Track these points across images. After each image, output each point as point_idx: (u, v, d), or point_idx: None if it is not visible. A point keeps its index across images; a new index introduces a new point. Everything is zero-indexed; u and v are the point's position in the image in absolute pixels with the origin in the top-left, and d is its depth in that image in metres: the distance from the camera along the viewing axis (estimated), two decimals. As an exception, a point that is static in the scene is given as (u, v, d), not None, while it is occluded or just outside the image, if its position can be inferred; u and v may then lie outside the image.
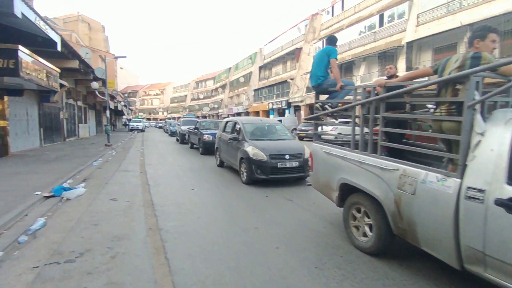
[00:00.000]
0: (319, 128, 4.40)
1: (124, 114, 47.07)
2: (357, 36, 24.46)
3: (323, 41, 28.80)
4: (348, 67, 26.10)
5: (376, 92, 3.33)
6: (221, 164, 9.16)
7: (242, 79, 47.87)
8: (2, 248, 3.28)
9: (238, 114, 46.09)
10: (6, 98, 10.84)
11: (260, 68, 43.38)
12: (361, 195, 3.30)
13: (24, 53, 7.98)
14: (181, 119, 19.69)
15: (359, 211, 3.39)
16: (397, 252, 3.28)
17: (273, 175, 6.43)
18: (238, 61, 52.10)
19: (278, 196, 5.69)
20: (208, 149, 12.30)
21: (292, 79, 32.96)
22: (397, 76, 4.29)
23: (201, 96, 68.24)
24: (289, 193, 5.93)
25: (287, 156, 6.54)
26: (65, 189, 5.50)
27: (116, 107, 32.00)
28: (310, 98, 28.77)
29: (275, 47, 39.32)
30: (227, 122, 9.19)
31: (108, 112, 16.68)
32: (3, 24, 9.53)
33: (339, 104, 3.95)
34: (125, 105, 45.78)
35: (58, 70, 11.11)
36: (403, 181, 2.77)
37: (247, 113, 43.34)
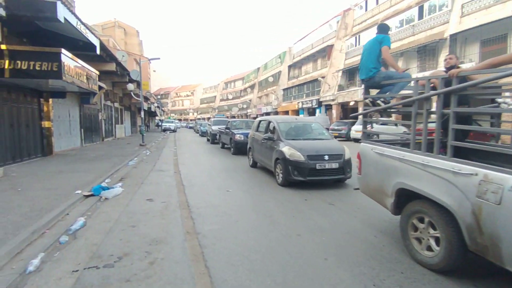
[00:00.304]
0: (368, 126, 3.98)
1: (157, 115, 48.72)
2: (393, 31, 23.20)
3: (356, 37, 27.74)
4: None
5: (432, 85, 2.91)
6: (254, 165, 8.94)
7: (271, 79, 47.60)
8: (44, 248, 3.27)
9: (267, 114, 45.90)
10: (50, 100, 11.45)
11: (290, 67, 42.83)
12: (425, 203, 2.86)
13: (66, 57, 8.29)
14: (212, 119, 19.81)
15: (421, 221, 2.95)
16: (470, 269, 2.81)
17: (311, 177, 6.06)
18: (267, 60, 51.91)
19: (318, 200, 5.32)
20: (239, 149, 12.16)
21: (323, 77, 32.12)
22: (458, 67, 3.76)
23: (230, 97, 68.96)
24: (330, 196, 5.54)
25: (326, 157, 6.15)
26: (104, 189, 5.55)
27: (149, 108, 33.12)
28: (342, 97, 27.85)
29: (305, 45, 38.59)
30: (260, 121, 8.95)
31: (142, 113, 17.16)
32: (47, 29, 10.05)
33: (393, 100, 3.52)
34: (158, 106, 47.36)
35: (97, 72, 11.54)
36: (484, 188, 2.32)
37: (276, 113, 42.98)
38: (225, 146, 14.90)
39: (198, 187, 6.35)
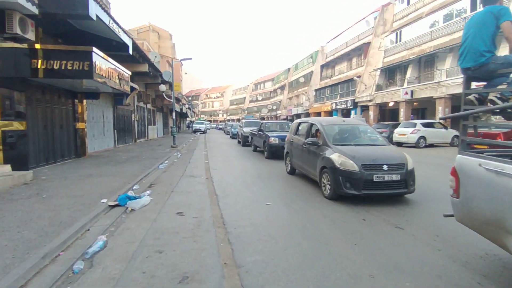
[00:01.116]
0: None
1: (188, 116, 49.36)
2: (440, 25, 21.21)
3: (397, 33, 25.87)
4: (428, 61, 22.83)
5: None
6: (292, 172, 8.07)
7: (302, 79, 46.33)
8: (53, 279, 2.65)
9: (298, 115, 44.70)
10: (84, 101, 11.40)
11: (322, 66, 41.34)
12: None
13: (98, 55, 7.98)
14: (243, 121, 19.21)
15: None
16: None
17: (367, 190, 5.08)
18: (298, 61, 50.68)
19: (379, 220, 4.35)
20: (274, 153, 11.36)
21: (358, 76, 30.40)
22: None
23: (260, 98, 68.46)
24: (393, 216, 4.53)
25: (384, 167, 5.13)
26: (130, 198, 4.98)
27: (181, 109, 33.38)
28: (381, 97, 26.06)
29: (338, 43, 36.99)
30: (299, 123, 8.07)
31: (174, 114, 16.94)
32: (82, 30, 9.93)
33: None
34: (189, 108, 47.97)
35: (129, 73, 11.31)
36: None
37: (308, 114, 41.66)
38: (258, 149, 14.18)
39: (232, 197, 5.61)
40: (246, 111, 72.48)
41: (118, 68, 9.93)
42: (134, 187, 6.22)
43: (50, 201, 4.92)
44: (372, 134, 6.65)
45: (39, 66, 7.33)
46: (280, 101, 56.76)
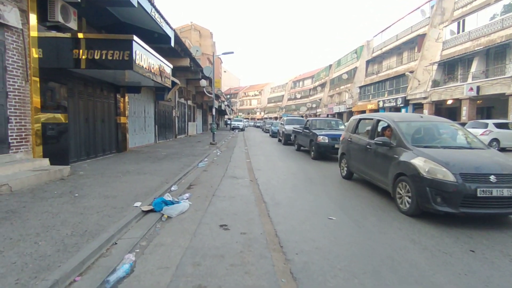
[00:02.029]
0: None
1: (226, 114, 49.48)
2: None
3: (459, 22, 22.99)
4: (499, 53, 19.86)
5: None
6: (349, 176, 6.91)
7: (345, 76, 43.90)
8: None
9: (340, 114, 42.54)
10: (126, 96, 11.19)
11: (368, 62, 38.68)
12: None
13: (138, 45, 7.48)
14: (285, 118, 18.16)
15: None
16: None
17: (468, 208, 3.81)
18: (340, 57, 48.22)
19: (495, 252, 3.11)
20: (322, 153, 10.24)
21: (411, 72, 27.72)
22: None
23: (298, 96, 66.71)
24: (510, 247, 3.26)
25: (492, 178, 3.82)
26: (167, 203, 4.25)
27: (220, 106, 33.25)
28: (438, 94, 23.40)
29: (387, 37, 34.26)
30: (359, 120, 6.87)
31: (214, 111, 16.46)
32: (125, 22, 9.63)
33: None
34: (227, 105, 48.04)
35: (171, 66, 10.86)
36: None
37: (350, 113, 39.36)
38: (302, 148, 13.09)
39: (285, 207, 4.65)
40: (284, 109, 71.22)
41: (160, 60, 9.47)
42: (172, 188, 5.55)
43: (81, 201, 4.36)
44: (462, 134, 5.27)
45: (81, 57, 6.99)
46: (320, 99, 54.67)
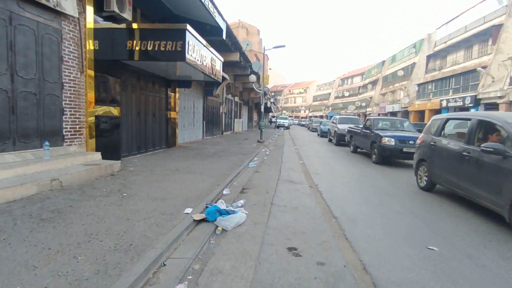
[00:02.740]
0: None
1: (271, 111, 48.89)
2: None
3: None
4: None
5: None
6: (430, 187, 5.72)
7: (400, 73, 40.44)
8: None
9: (393, 113, 39.34)
10: (177, 90, 11.01)
11: (429, 57, 35.08)
12: None
13: (191, 35, 7.04)
14: (337, 117, 16.86)
15: None
16: None
17: None
18: (395, 52, 44.60)
19: None
20: (386, 157, 8.99)
21: (483, 67, 24.31)
22: None
23: (346, 94, 63.58)
24: None
25: None
26: (221, 213, 3.62)
27: (266, 103, 32.68)
28: (522, 92, 20.09)
29: (453, 29, 30.61)
30: (447, 120, 5.62)
31: (262, 107, 15.83)
32: (178, 15, 9.35)
33: None
34: (273, 103, 47.37)
35: (222, 59, 10.39)
36: None
37: (406, 112, 36.21)
38: (359, 150, 11.88)
39: (363, 227, 3.74)
40: (330, 108, 68.57)
41: (212, 52, 9.02)
42: (224, 192, 4.94)
43: (128, 203, 3.93)
44: None
45: (134, 48, 6.73)
46: (370, 98, 51.38)
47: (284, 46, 15.36)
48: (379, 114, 44.27)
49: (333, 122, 16.98)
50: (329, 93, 73.03)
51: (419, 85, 34.58)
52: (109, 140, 6.87)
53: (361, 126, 12.11)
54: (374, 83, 51.72)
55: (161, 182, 5.22)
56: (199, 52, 7.87)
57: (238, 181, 6.04)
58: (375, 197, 5.25)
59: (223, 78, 13.26)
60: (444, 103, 27.77)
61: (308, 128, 37.96)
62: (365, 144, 10.48)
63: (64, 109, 5.57)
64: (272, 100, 45.42)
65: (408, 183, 6.44)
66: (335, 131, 15.59)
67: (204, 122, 15.18)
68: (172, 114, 10.73)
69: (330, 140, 17.57)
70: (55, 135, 5.42)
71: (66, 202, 3.83)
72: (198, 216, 3.55)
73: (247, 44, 14.15)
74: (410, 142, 8.55)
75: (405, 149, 8.49)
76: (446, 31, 32.13)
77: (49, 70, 5.21)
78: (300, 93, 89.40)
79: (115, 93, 7.09)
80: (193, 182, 5.34)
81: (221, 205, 3.97)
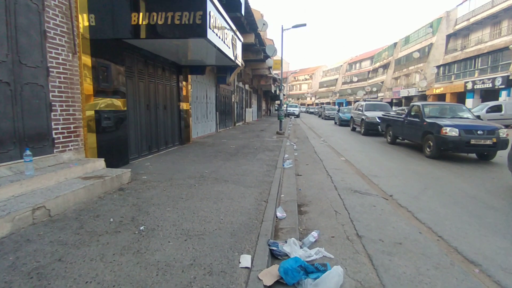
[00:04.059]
0: None
1: (280, 99, 47.02)
2: None
3: None
4: None
5: None
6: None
7: (416, 54, 38.18)
8: None
9: (408, 98, 37.36)
10: (189, 77, 9.49)
11: (449, 36, 32.90)
12: None
13: (212, 4, 5.49)
14: (363, 103, 15.23)
15: None
16: None
17: None
18: (409, 33, 42.18)
19: None
20: (447, 151, 7.49)
21: (515, 44, 22.32)
22: None
23: (355, 79, 61.30)
24: None
25: None
26: (307, 270, 2.19)
27: (275, 91, 31.01)
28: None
29: (477, 4, 28.33)
30: None
31: (281, 95, 14.34)
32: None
33: None
34: (280, 90, 45.50)
35: (242, 39, 8.81)
36: None
37: (424, 96, 34.28)
38: (397, 141, 10.40)
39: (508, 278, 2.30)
40: (337, 94, 66.51)
41: (232, 30, 7.46)
42: (278, 215, 3.51)
43: (150, 248, 2.52)
44: None
45: (141, 22, 5.21)
46: (382, 82, 49.25)
47: (305, 25, 13.65)
48: (391, 100, 42.32)
49: (358, 110, 15.37)
50: (336, 79, 70.69)
51: (438, 67, 32.54)
52: (114, 141, 5.45)
53: (396, 113, 10.55)
54: (385, 66, 49.51)
55: (188, 200, 3.81)
56: (222, 29, 6.33)
57: (284, 192, 4.60)
58: (487, 212, 3.79)
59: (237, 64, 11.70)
60: (469, 85, 25.88)
61: (320, 116, 36.24)
62: (413, 135, 8.93)
63: (53, 103, 4.12)
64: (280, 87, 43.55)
65: (499, 187, 4.96)
66: (362, 119, 14.01)
67: (217, 113, 13.68)
68: (185, 106, 9.26)
69: (353, 129, 16.02)
70: (41, 140, 3.99)
71: (53, 252, 2.43)
72: (269, 280, 2.12)
73: (263, 24, 12.48)
74: (478, 132, 7.03)
75: (473, 141, 6.97)
76: (469, 7, 29.84)
77: (27, 50, 3.74)
78: (306, 79, 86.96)
79: (119, 82, 5.62)
80: (231, 198, 3.91)
81: (294, 247, 2.54)
